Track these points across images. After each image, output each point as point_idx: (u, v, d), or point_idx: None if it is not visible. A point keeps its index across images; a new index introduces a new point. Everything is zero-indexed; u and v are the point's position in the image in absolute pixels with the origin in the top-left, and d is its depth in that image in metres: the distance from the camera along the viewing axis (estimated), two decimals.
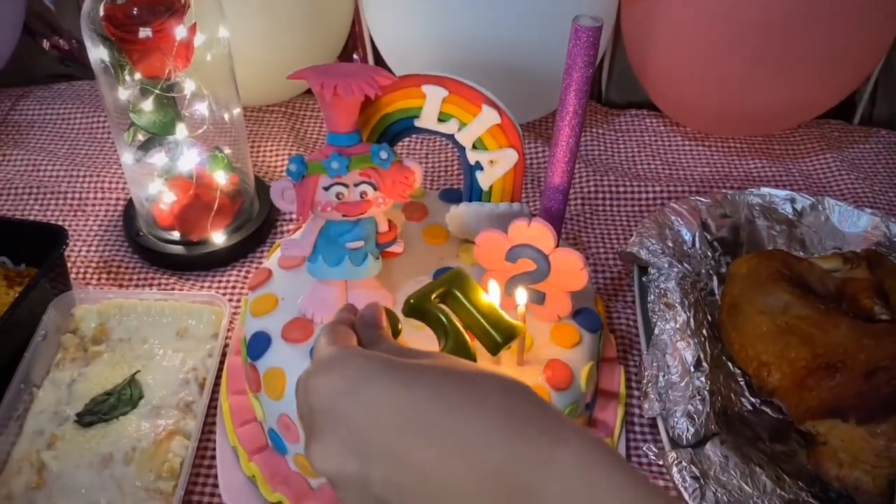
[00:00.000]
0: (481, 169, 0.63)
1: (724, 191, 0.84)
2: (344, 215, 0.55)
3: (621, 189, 0.91)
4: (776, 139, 1.01)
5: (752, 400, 0.68)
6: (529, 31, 0.84)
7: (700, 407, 0.63)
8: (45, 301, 0.71)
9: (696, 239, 0.79)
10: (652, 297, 0.71)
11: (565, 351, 0.59)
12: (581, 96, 0.55)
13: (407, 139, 0.87)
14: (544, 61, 0.81)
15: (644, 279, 0.74)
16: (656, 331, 0.68)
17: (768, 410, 0.67)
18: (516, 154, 0.61)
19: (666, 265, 0.73)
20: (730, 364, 0.70)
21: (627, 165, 0.96)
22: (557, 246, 0.57)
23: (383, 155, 0.54)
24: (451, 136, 0.62)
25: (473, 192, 0.65)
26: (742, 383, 0.69)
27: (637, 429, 0.67)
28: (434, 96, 0.59)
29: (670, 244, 0.77)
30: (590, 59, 0.53)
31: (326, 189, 0.54)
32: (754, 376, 0.67)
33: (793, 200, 0.83)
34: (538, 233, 0.56)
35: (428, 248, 0.67)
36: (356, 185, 0.54)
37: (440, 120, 0.61)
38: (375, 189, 0.55)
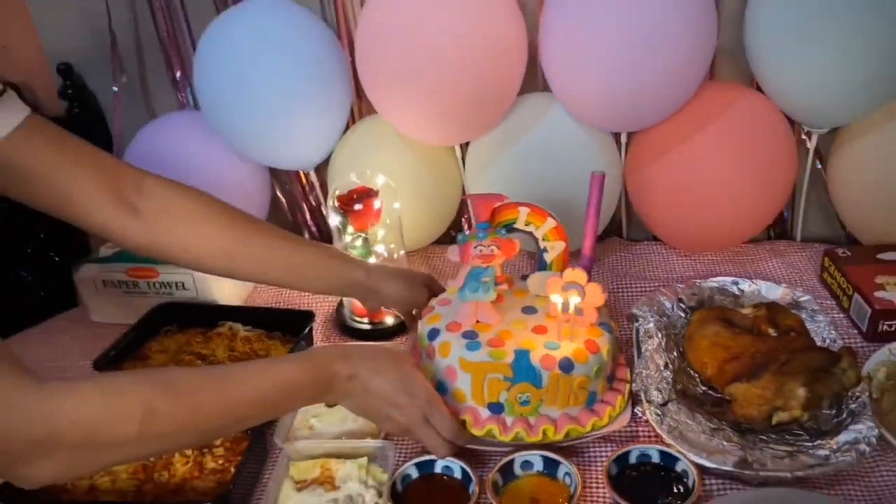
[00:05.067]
0: (546, 251, 1.19)
1: (694, 280, 1.37)
2: (482, 262, 1.10)
3: (634, 288, 1.45)
4: (740, 250, 1.52)
5: (703, 388, 1.17)
6: (576, 183, 1.43)
7: (666, 387, 1.13)
8: None
9: (674, 307, 1.31)
10: (641, 332, 1.23)
11: (594, 338, 1.09)
12: (596, 211, 1.13)
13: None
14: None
15: (636, 324, 1.26)
16: (643, 349, 1.20)
17: (712, 393, 1.16)
18: (563, 244, 1.17)
19: (649, 316, 1.26)
20: (689, 370, 1.20)
21: (639, 274, 1.50)
22: (588, 282, 1.11)
23: (503, 232, 1.10)
24: (530, 233, 1.18)
25: (541, 264, 1.20)
26: (697, 380, 1.18)
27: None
28: (523, 212, 1.16)
29: (655, 308, 1.29)
30: (600, 192, 1.12)
31: (475, 248, 1.09)
32: (700, 372, 1.17)
33: (737, 283, 1.34)
34: (578, 275, 1.09)
35: (517, 299, 1.19)
36: (488, 246, 1.09)
37: (526, 224, 1.17)
38: (498, 248, 1.10)
